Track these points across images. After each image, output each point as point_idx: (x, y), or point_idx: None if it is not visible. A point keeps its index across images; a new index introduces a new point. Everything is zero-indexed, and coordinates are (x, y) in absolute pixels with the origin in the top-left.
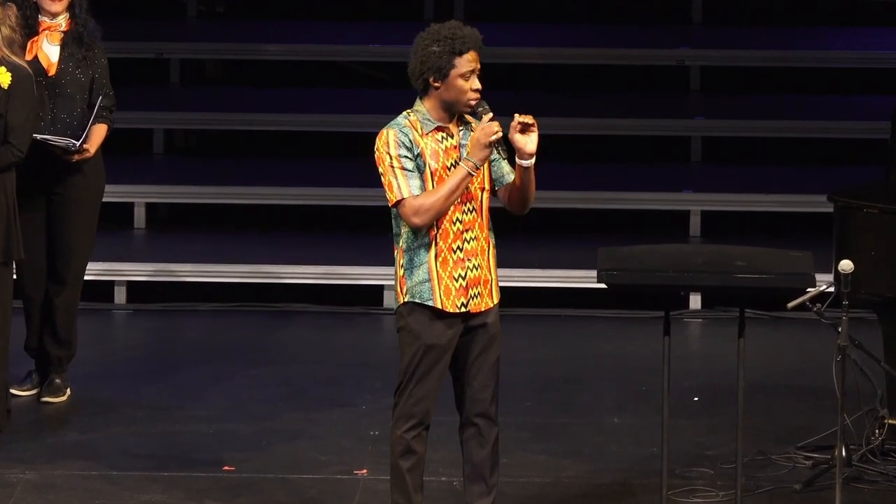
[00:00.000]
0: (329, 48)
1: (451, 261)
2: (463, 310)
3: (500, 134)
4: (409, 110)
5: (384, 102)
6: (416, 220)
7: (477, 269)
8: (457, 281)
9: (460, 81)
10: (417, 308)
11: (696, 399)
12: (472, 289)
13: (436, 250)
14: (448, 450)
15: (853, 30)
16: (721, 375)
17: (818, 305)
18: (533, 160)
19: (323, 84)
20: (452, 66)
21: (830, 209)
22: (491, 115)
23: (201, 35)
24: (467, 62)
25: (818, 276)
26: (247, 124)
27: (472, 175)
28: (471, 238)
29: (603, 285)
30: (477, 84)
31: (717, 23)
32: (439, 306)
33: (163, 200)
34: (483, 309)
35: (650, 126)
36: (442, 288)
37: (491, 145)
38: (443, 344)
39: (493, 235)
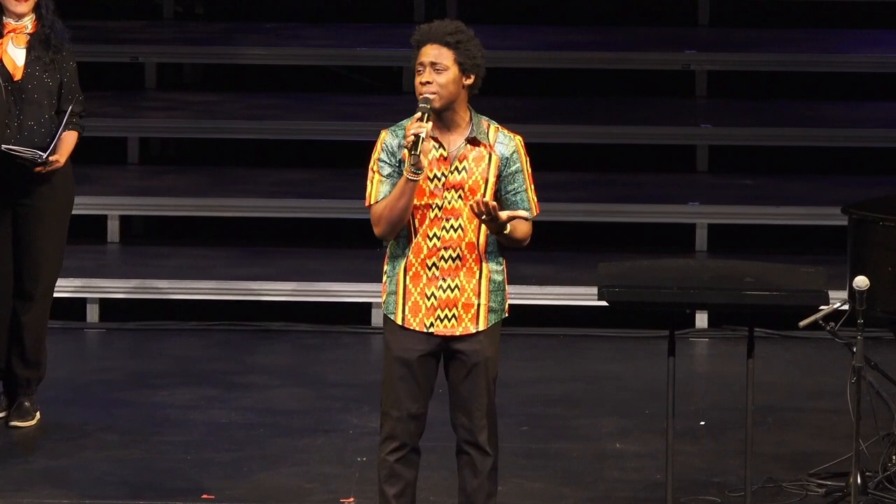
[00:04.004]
0: (315, 52)
1: (424, 277)
2: (430, 329)
3: (411, 138)
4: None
5: (373, 109)
6: (376, 230)
7: (453, 290)
8: (428, 299)
9: (415, 77)
10: (387, 320)
11: (702, 423)
12: (443, 310)
13: (406, 263)
14: (441, 476)
15: (868, 32)
16: (729, 398)
17: (832, 324)
18: (503, 232)
19: (308, 90)
20: (414, 62)
21: (845, 222)
22: (417, 115)
23: (179, 38)
24: (418, 56)
25: (832, 293)
26: (227, 132)
27: (412, 182)
28: (450, 257)
29: (604, 303)
30: (425, 77)
31: (724, 25)
32: (400, 322)
33: (138, 213)
34: (458, 334)
35: (653, 134)
36: (409, 303)
37: (410, 147)
38: (411, 360)
39: (494, 261)
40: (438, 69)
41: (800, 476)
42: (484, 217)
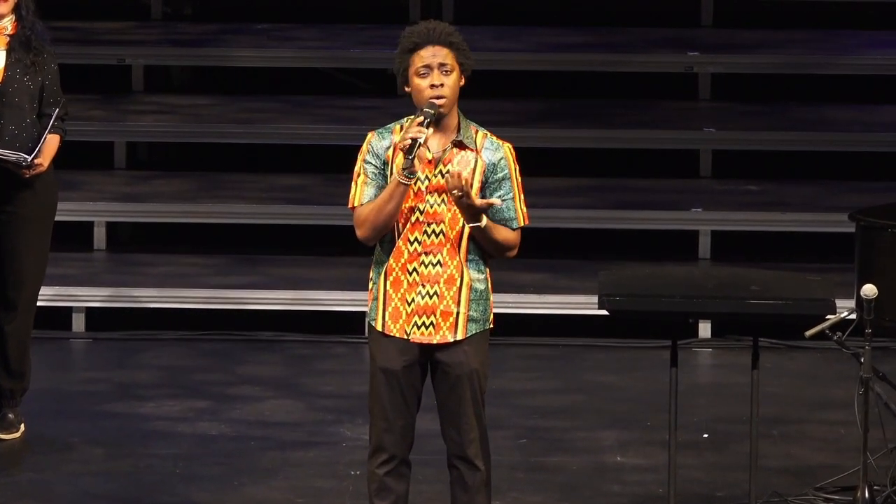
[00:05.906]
0: (307, 54)
1: (405, 283)
2: (408, 336)
3: (408, 142)
4: (412, 115)
5: (366, 112)
6: (358, 233)
7: (431, 297)
8: (409, 305)
9: (417, 80)
10: (370, 327)
11: (705, 436)
12: (420, 317)
13: (386, 268)
14: (436, 490)
15: (875, 34)
16: (733, 410)
17: (839, 334)
18: (478, 223)
19: (300, 92)
20: (409, 65)
21: (852, 229)
22: (421, 119)
23: (167, 39)
24: (421, 58)
25: (839, 302)
26: (216, 136)
27: (404, 186)
28: (430, 263)
29: (604, 312)
30: (436, 80)
31: (728, 26)
32: (380, 329)
33: (125, 219)
34: (436, 342)
35: (655, 138)
36: (390, 309)
37: (405, 151)
38: (395, 369)
39: (476, 269)
40: (447, 71)
41: (806, 490)
42: (455, 192)
